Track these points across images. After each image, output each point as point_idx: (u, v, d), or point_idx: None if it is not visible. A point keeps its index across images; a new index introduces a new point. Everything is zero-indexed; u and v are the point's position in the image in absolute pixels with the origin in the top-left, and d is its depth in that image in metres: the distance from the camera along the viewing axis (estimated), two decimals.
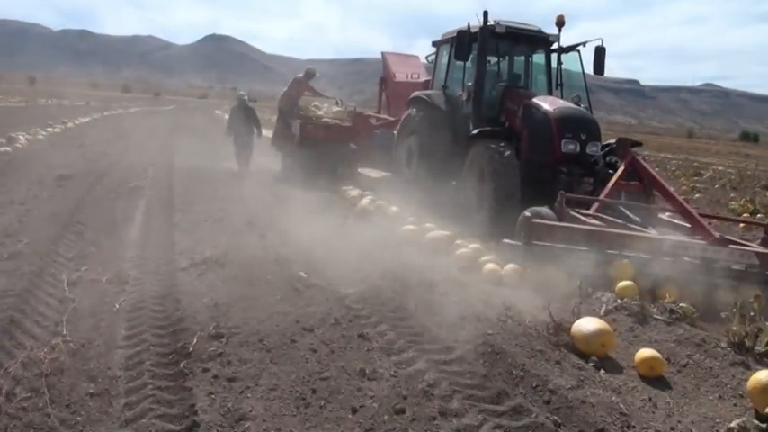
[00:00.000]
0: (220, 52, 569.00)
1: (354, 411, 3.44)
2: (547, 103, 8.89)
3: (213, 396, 3.53)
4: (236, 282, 5.64)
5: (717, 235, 6.59)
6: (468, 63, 9.94)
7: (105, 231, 7.41)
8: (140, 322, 4.61)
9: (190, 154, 15.66)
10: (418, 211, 9.14)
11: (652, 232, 6.95)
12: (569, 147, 8.50)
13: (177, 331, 4.43)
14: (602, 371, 4.22)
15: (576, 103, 9.80)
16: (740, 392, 4.01)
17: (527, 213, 6.85)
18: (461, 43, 9.43)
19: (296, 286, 5.59)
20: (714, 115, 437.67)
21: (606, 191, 7.54)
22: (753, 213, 13.34)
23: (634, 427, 3.49)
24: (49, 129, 20.33)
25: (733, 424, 3.44)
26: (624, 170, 7.86)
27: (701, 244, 6.45)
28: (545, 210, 6.91)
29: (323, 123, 13.10)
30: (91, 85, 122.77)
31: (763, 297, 5.48)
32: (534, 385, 3.87)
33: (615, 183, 7.66)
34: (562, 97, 9.93)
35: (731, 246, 6.47)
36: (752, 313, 4.87)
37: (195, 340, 4.23)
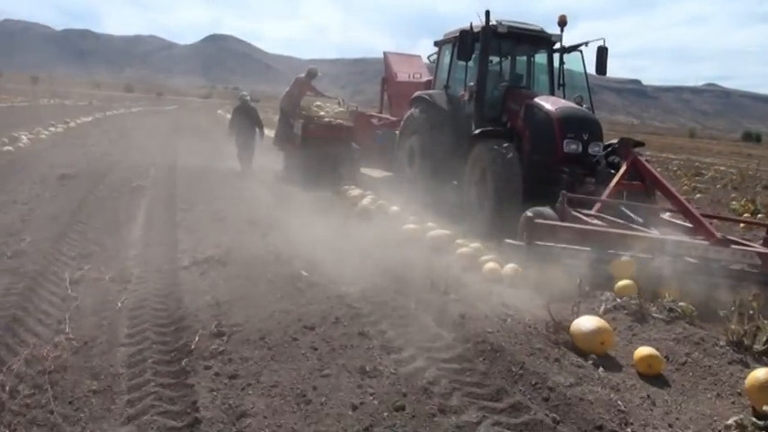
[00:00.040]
0: (222, 52, 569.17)
1: (354, 408, 3.46)
2: (549, 103, 8.90)
3: (215, 393, 3.57)
4: (238, 280, 5.68)
5: (719, 235, 6.60)
6: (471, 63, 9.94)
7: (108, 230, 7.45)
8: (143, 320, 4.65)
9: (192, 154, 15.70)
10: (420, 211, 9.16)
11: (654, 232, 6.95)
12: (571, 147, 8.52)
13: (179, 329, 4.47)
14: (600, 369, 4.25)
15: (578, 103, 9.82)
16: (738, 390, 4.02)
17: (529, 213, 6.87)
18: (464, 43, 9.45)
19: (297, 285, 5.61)
20: (716, 115, 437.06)
21: (608, 191, 7.55)
22: (754, 213, 13.34)
23: (632, 424, 3.51)
24: (52, 128, 20.38)
25: (730, 421, 3.48)
26: (626, 170, 7.87)
27: (703, 244, 6.46)
28: (547, 210, 6.93)
29: (325, 123, 13.11)
30: (93, 84, 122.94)
31: (763, 296, 5.49)
32: (533, 383, 3.89)
33: (617, 183, 7.67)
34: (564, 97, 9.93)
35: (733, 246, 6.47)
36: (751, 312, 4.89)
37: (197, 338, 4.27)
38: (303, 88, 14.24)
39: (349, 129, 13.26)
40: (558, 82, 10.30)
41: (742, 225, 10.47)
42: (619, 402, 3.73)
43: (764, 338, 4.61)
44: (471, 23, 9.61)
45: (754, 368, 4.11)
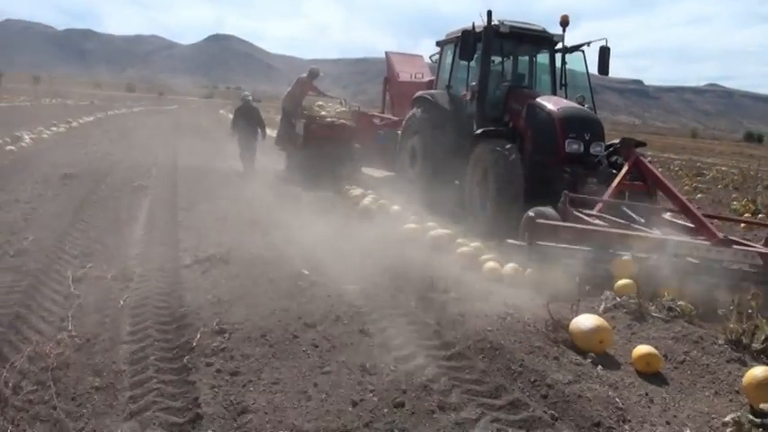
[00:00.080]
0: (224, 52, 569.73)
1: (355, 405, 3.49)
2: (551, 103, 8.91)
3: (216, 390, 3.60)
4: (239, 279, 5.71)
5: (721, 235, 6.61)
6: (473, 63, 9.96)
7: (110, 229, 7.49)
8: (145, 318, 4.68)
9: (193, 154, 15.74)
10: (421, 211, 9.19)
11: (656, 232, 6.96)
12: (573, 147, 8.52)
13: (181, 327, 4.51)
14: (599, 367, 4.27)
15: (580, 103, 9.82)
16: (736, 389, 4.05)
17: (531, 213, 6.88)
18: (466, 43, 9.46)
19: (298, 283, 5.64)
20: (718, 115, 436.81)
21: (610, 191, 7.55)
22: (754, 213, 13.35)
23: (630, 421, 3.54)
24: (54, 128, 20.41)
25: (727, 418, 3.51)
26: (628, 170, 7.87)
27: (704, 244, 6.47)
28: (549, 210, 6.94)
29: (327, 123, 13.13)
30: (94, 84, 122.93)
31: (762, 295, 5.51)
32: (532, 380, 3.92)
33: (619, 183, 7.68)
34: (566, 97, 9.93)
35: (735, 246, 6.49)
36: (749, 311, 4.91)
37: (199, 336, 4.30)
38: (305, 88, 14.26)
39: (351, 129, 13.28)
40: (559, 82, 10.30)
41: (742, 225, 10.48)
42: (617, 400, 3.76)
43: (763, 337, 4.63)
44: (473, 23, 9.63)
45: (752, 366, 4.13)
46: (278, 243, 7.08)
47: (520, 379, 3.96)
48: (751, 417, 3.47)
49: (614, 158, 8.75)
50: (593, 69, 9.88)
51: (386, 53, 14.79)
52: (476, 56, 9.69)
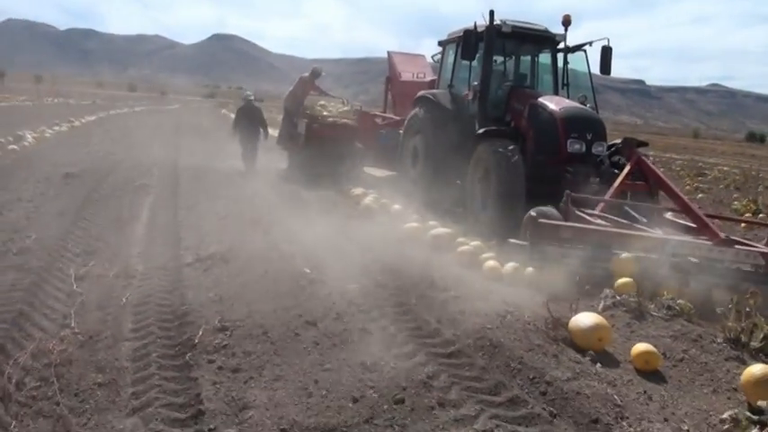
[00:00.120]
0: (226, 51, 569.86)
1: (355, 401, 3.52)
2: (553, 103, 8.92)
3: (218, 386, 3.63)
4: (241, 277, 5.73)
5: (722, 235, 6.62)
6: (475, 62, 9.96)
7: (112, 228, 7.52)
8: (147, 315, 4.71)
9: (195, 153, 15.77)
10: (422, 210, 9.20)
11: (657, 232, 6.97)
12: (575, 146, 8.53)
13: (183, 324, 4.53)
14: (598, 364, 4.30)
15: (582, 103, 9.84)
16: (734, 386, 4.08)
17: (533, 213, 6.89)
18: (468, 43, 9.46)
19: (299, 281, 5.67)
20: (720, 116, 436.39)
21: (612, 191, 7.56)
22: (755, 213, 13.37)
23: (628, 417, 3.56)
24: (56, 127, 20.46)
25: (725, 415, 3.53)
26: (630, 170, 7.89)
27: (706, 244, 6.49)
28: (550, 209, 6.95)
29: (329, 123, 13.15)
30: (96, 84, 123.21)
31: (761, 294, 5.52)
32: (531, 377, 3.95)
33: (621, 183, 7.69)
34: (568, 97, 9.92)
35: (737, 246, 6.50)
36: (748, 309, 4.94)
37: (200, 333, 4.33)
38: (307, 88, 14.28)
39: (353, 128, 13.29)
40: (561, 82, 10.29)
41: (743, 225, 10.50)
42: (615, 397, 3.79)
43: (761, 336, 4.66)
44: (475, 23, 9.63)
45: (751, 364, 4.16)
46: (279, 242, 7.11)
47: (519, 376, 3.99)
48: (748, 414, 3.50)
49: (616, 158, 8.75)
50: (595, 69, 9.90)
51: (388, 53, 14.81)
52: (478, 55, 9.70)
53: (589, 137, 8.59)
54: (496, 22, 9.43)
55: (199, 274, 5.86)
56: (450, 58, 10.92)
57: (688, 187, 18.37)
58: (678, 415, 3.70)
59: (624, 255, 6.26)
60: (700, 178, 22.57)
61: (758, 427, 3.38)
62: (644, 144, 9.34)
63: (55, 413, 3.29)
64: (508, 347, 4.37)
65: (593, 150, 8.60)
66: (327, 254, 6.56)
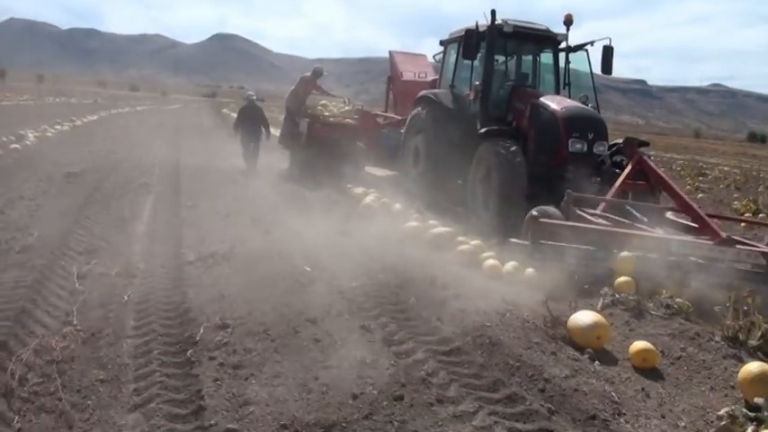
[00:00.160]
0: (227, 51, 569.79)
1: (355, 398, 3.55)
2: (554, 103, 8.93)
3: (219, 382, 3.66)
4: (242, 275, 5.75)
5: (724, 235, 6.64)
6: (476, 62, 9.98)
7: (114, 226, 7.56)
8: (149, 313, 4.74)
9: (196, 152, 15.82)
10: (423, 209, 9.22)
11: (659, 232, 6.99)
12: (576, 146, 8.54)
13: (184, 322, 4.56)
14: (596, 362, 4.33)
15: (583, 103, 9.85)
16: (731, 384, 4.10)
17: (534, 212, 6.91)
18: (469, 42, 9.47)
19: (300, 280, 5.70)
20: (721, 116, 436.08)
21: (613, 190, 7.56)
22: (755, 213, 13.39)
23: (625, 414, 3.60)
24: (58, 126, 20.51)
25: (722, 412, 3.55)
26: (631, 170, 7.90)
27: (707, 244, 6.50)
28: (552, 209, 6.97)
29: (330, 122, 13.16)
30: (98, 83, 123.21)
31: (760, 293, 5.54)
32: (530, 375, 3.98)
33: (622, 182, 7.70)
34: (570, 97, 9.92)
35: (738, 246, 6.51)
36: (746, 308, 4.96)
37: (202, 330, 4.36)
38: (309, 87, 14.28)
39: (354, 128, 13.31)
40: (563, 81, 10.29)
41: (743, 224, 10.51)
42: (613, 394, 3.82)
43: (759, 334, 4.69)
44: (477, 23, 9.64)
45: (748, 362, 4.18)
46: (280, 240, 7.13)
47: (518, 373, 4.02)
48: (745, 410, 3.53)
49: (617, 158, 8.76)
50: (597, 69, 9.91)
51: (390, 52, 14.81)
52: (479, 55, 9.71)
53: (590, 137, 8.60)
54: (498, 21, 9.43)
55: (200, 272, 5.89)
56: (452, 58, 10.93)
57: (689, 187, 18.37)
58: (675, 412, 3.73)
59: (624, 254, 6.27)
60: (700, 178, 22.59)
61: (754, 423, 3.41)
62: (645, 144, 9.35)
63: (57, 409, 3.32)
64: (507, 345, 4.40)
65: (595, 150, 8.62)
66: (328, 252, 6.59)
